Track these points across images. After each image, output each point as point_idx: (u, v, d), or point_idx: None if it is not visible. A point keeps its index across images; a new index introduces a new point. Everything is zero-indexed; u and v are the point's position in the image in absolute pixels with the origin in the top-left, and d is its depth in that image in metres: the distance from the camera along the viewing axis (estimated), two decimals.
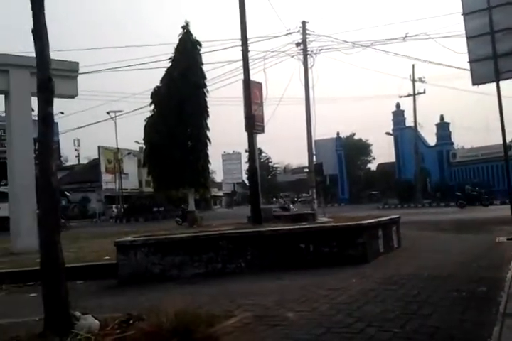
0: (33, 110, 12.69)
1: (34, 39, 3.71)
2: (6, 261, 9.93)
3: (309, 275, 6.52)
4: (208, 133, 23.24)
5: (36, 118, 3.95)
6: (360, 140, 64.82)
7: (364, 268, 6.83)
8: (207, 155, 23.65)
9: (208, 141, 23.23)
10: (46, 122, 3.69)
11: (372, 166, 66.34)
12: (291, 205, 31.34)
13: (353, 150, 59.20)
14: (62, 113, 35.34)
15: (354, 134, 64.81)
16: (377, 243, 8.24)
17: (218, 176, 74.93)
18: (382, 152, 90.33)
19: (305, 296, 5.05)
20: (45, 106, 3.67)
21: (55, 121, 36.94)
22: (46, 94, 3.68)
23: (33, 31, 3.69)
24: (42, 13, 3.65)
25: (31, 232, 12.26)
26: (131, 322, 3.97)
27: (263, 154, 79.92)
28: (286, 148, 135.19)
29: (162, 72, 22.89)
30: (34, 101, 12.25)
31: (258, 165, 13.55)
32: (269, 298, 5.07)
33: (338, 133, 55.95)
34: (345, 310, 4.34)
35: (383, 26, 54.21)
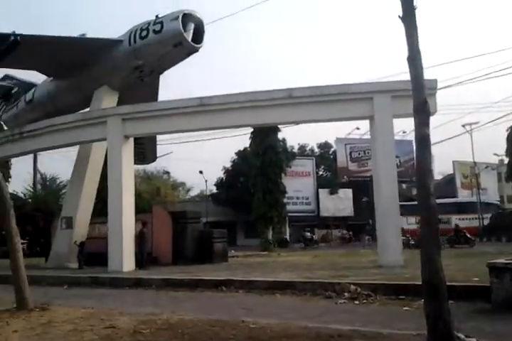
0: None
1: (409, 65, 3.91)
2: (377, 272, 10.70)
3: None
4: None
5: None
6: None
7: None
8: None
9: None
10: (423, 143, 3.79)
11: None
12: None
13: None
14: (404, 132, 35.96)
15: None
16: None
17: None
18: None
19: None
20: (422, 127, 3.79)
21: (406, 139, 37.71)
22: (423, 116, 3.80)
23: (408, 58, 3.90)
24: (417, 42, 3.81)
25: (396, 247, 12.92)
26: None
27: None
28: None
29: None
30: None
31: None
32: None
33: None
34: None
35: None
